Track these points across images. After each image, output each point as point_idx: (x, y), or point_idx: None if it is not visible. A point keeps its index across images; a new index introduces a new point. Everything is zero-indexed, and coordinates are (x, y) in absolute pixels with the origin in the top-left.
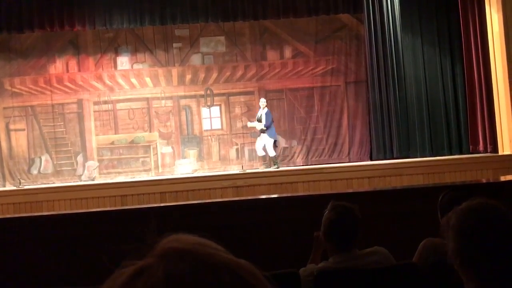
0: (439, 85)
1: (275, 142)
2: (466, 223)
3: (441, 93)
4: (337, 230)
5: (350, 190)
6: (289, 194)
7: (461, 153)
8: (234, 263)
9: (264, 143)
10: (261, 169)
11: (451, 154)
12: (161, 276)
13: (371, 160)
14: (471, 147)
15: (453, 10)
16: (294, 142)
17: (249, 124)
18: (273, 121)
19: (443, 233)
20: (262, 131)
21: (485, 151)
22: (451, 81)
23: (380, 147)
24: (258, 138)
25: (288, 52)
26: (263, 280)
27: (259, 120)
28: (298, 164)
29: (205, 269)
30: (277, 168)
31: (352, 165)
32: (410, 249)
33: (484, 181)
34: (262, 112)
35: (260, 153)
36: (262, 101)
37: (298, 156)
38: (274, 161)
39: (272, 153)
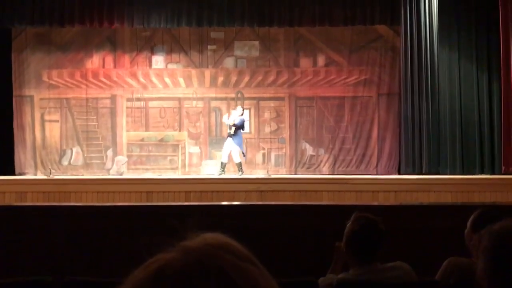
0: (474, 102)
1: (242, 153)
2: (500, 244)
3: (476, 110)
4: (359, 242)
5: (375, 203)
6: (313, 202)
7: (493, 173)
8: (238, 271)
9: (231, 150)
10: (217, 175)
11: (482, 174)
12: (152, 271)
13: (399, 174)
14: (503, 168)
15: (494, 25)
16: (322, 151)
17: (224, 120)
18: (242, 129)
19: (473, 251)
20: (230, 135)
21: None
22: (487, 99)
23: (409, 161)
24: (226, 143)
25: (321, 60)
26: None
27: (232, 126)
28: (324, 173)
29: (195, 272)
30: (241, 174)
31: (379, 177)
32: (433, 267)
33: None
34: (237, 118)
35: (224, 159)
36: (239, 109)
37: (324, 165)
38: (239, 167)
39: (237, 159)
